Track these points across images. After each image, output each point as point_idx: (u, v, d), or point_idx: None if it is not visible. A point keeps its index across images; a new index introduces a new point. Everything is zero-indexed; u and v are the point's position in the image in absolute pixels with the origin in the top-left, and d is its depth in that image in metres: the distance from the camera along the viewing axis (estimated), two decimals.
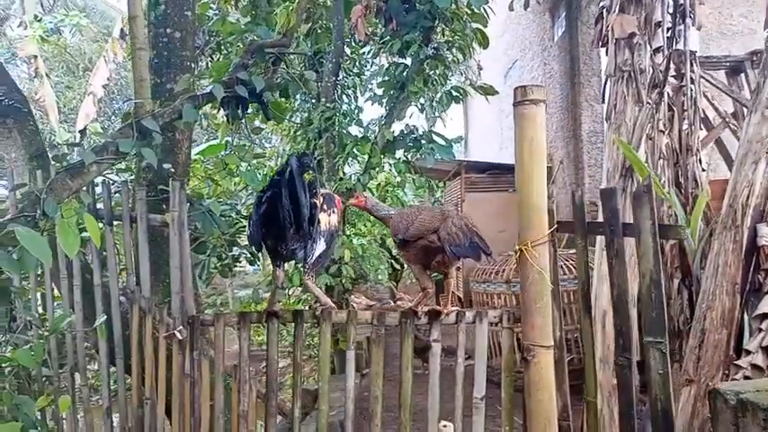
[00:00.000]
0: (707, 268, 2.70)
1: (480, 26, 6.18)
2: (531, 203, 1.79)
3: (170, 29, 3.62)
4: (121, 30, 9.52)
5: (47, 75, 10.53)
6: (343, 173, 6.33)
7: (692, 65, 3.74)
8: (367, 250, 6.26)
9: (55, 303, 3.20)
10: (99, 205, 2.96)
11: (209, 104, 3.60)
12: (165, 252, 2.76)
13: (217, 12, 6.59)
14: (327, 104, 6.10)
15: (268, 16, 5.99)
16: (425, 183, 8.16)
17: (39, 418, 2.61)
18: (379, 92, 6.53)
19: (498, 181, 8.06)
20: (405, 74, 6.04)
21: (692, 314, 2.92)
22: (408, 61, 6.10)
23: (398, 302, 2.53)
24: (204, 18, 6.23)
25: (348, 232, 6.22)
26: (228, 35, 6.17)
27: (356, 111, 6.42)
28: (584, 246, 1.97)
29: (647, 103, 3.62)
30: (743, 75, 4.36)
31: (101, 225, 2.70)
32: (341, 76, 6.41)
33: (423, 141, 5.86)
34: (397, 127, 6.19)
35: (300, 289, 6.01)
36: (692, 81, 3.72)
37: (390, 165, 6.54)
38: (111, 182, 3.28)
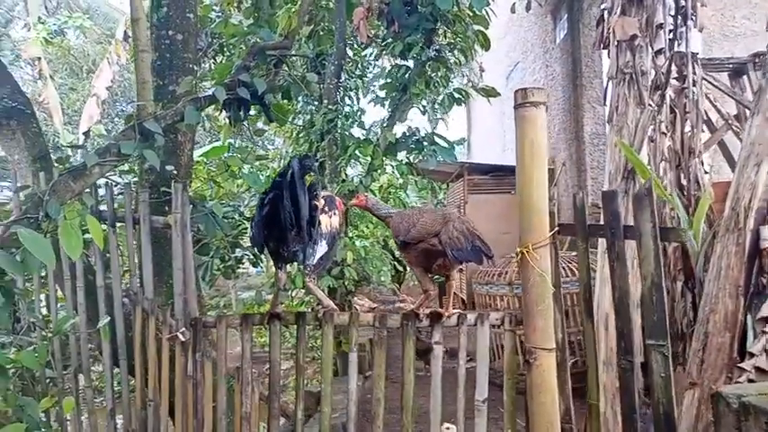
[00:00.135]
0: (710, 271, 2.68)
1: (482, 28, 6.20)
2: (532, 206, 1.80)
3: (172, 31, 3.64)
4: (124, 32, 9.53)
5: (50, 76, 10.55)
6: (346, 175, 6.34)
7: (693, 67, 3.73)
8: (370, 252, 6.24)
9: (58, 305, 3.21)
10: (102, 207, 2.98)
11: (212, 106, 3.61)
12: (168, 254, 2.77)
13: (219, 14, 6.62)
14: (330, 106, 6.11)
15: (270, 18, 6.00)
16: (428, 185, 8.17)
17: (43, 419, 2.61)
18: (382, 94, 6.54)
19: (501, 183, 8.05)
20: (407, 76, 6.05)
21: (696, 317, 2.91)
22: (410, 63, 6.11)
23: (401, 304, 2.53)
24: (206, 20, 6.26)
25: (351, 234, 6.21)
26: (231, 37, 6.20)
27: (358, 113, 6.42)
28: (586, 248, 1.97)
29: (649, 105, 3.62)
30: (745, 77, 4.34)
31: (104, 227, 2.72)
32: (343, 78, 6.42)
33: (425, 143, 5.87)
34: (399, 129, 6.22)
35: (303, 291, 6.01)
36: (695, 83, 3.71)
37: (393, 167, 6.54)
38: (113, 184, 3.29)
